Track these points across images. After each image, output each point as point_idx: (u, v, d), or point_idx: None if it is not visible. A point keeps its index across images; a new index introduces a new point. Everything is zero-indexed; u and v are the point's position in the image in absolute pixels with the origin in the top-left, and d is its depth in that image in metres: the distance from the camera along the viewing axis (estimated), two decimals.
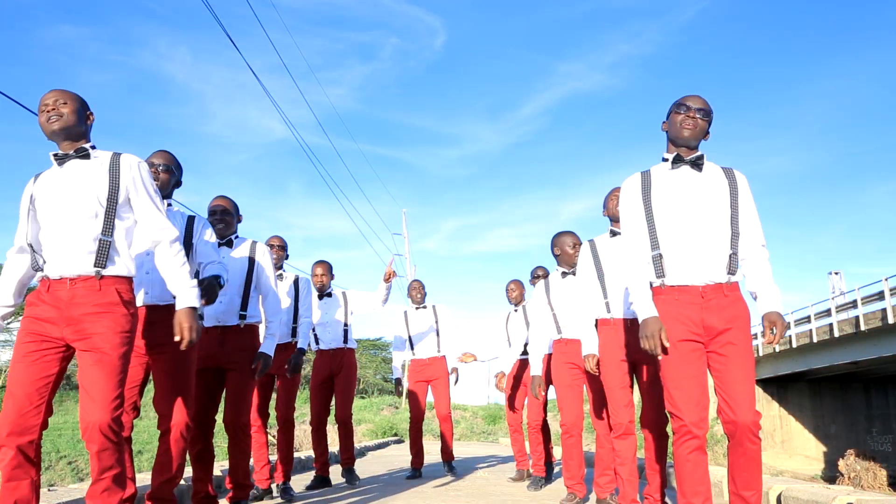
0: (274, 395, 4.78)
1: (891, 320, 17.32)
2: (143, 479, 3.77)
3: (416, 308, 6.18)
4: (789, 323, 22.54)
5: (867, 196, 65.17)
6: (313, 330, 5.22)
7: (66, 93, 2.51)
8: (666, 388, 2.56)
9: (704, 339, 2.55)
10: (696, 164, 2.65)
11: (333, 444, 6.14)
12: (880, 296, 18.16)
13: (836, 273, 26.46)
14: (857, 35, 60.77)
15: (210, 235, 3.21)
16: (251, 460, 4.24)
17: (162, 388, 2.92)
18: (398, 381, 6.33)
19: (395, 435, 18.27)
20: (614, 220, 3.64)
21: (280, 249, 4.70)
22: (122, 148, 2.64)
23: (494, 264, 75.51)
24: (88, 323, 2.35)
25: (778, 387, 24.62)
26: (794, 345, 21.97)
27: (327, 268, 5.40)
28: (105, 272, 2.42)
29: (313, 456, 5.28)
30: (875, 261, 70.36)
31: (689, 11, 78.26)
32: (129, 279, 2.51)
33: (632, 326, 3.44)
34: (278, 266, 4.70)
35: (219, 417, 3.60)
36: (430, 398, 6.18)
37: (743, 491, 2.50)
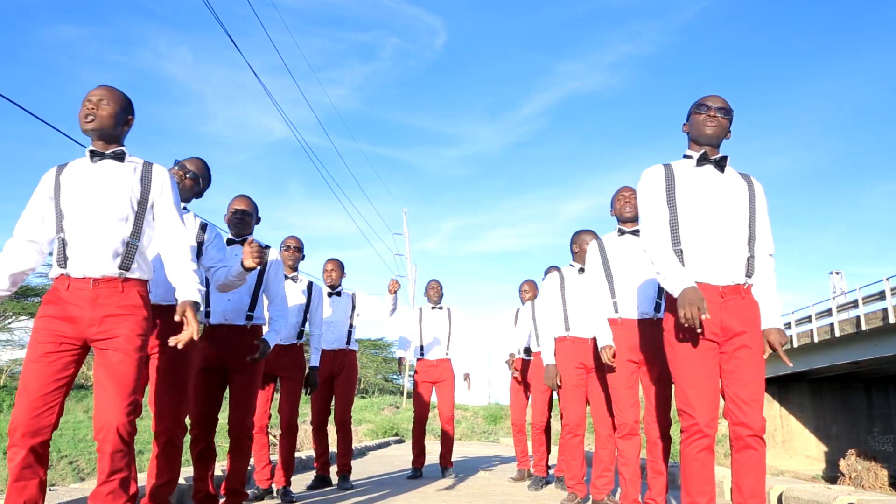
0: (277, 397, 4.77)
1: (892, 320, 17.31)
2: (143, 479, 3.76)
3: (432, 307, 6.17)
4: (790, 323, 22.53)
5: (867, 196, 65.12)
6: None
7: (111, 94, 2.50)
8: (679, 385, 2.54)
9: (720, 339, 2.55)
10: (720, 164, 2.66)
11: (334, 444, 6.13)
12: (881, 295, 18.16)
13: (838, 273, 26.45)
14: (857, 35, 60.72)
15: (220, 244, 3.23)
16: (251, 462, 4.23)
17: (158, 388, 2.91)
18: (401, 360, 6.30)
19: (396, 435, 18.26)
20: (622, 219, 3.63)
21: (296, 251, 4.69)
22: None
23: (494, 264, 75.57)
24: (111, 324, 2.35)
25: (779, 386, 24.60)
26: (795, 345, 21.97)
27: (338, 265, 5.39)
28: (128, 274, 2.43)
29: (314, 457, 5.28)
30: (875, 261, 70.33)
31: (689, 11, 78.23)
32: (147, 282, 2.53)
33: (639, 327, 3.44)
34: (294, 267, 4.69)
35: (222, 417, 3.60)
36: (433, 399, 6.17)
37: (750, 500, 2.49)
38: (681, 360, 2.53)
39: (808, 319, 21.91)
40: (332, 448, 5.49)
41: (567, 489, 4.29)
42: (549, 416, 5.71)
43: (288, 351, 4.53)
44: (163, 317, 2.94)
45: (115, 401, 2.28)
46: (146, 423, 13.05)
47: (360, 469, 7.03)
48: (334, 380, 5.23)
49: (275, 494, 4.57)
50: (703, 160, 2.66)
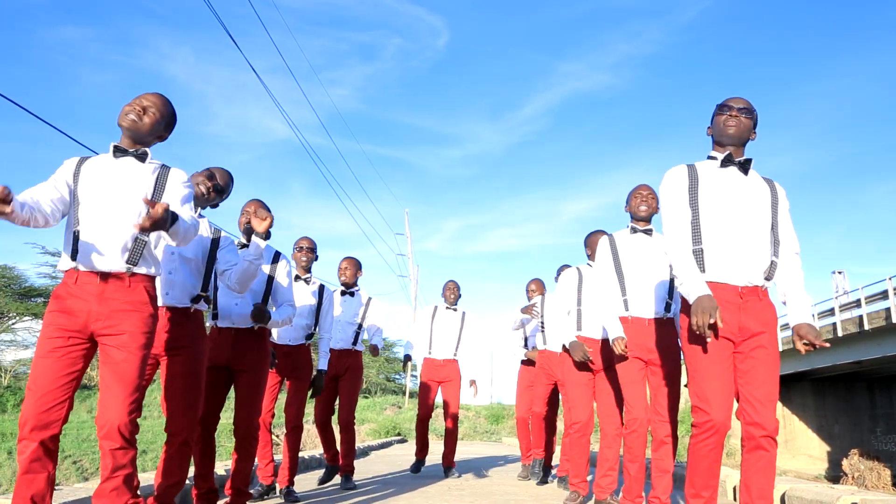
0: (283, 397, 4.77)
1: (895, 319, 17.26)
2: (147, 478, 3.77)
3: (447, 307, 6.16)
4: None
5: (868, 196, 65.06)
6: None
7: (164, 106, 2.55)
8: (694, 381, 2.55)
9: (737, 338, 2.56)
10: (744, 166, 2.67)
11: (337, 443, 6.13)
12: (884, 295, 18.10)
13: (840, 272, 26.33)
14: (858, 35, 60.63)
15: (232, 248, 3.24)
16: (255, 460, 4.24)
17: (172, 390, 2.93)
18: (408, 357, 6.26)
19: (399, 434, 18.27)
20: (636, 217, 3.62)
21: (309, 251, 4.67)
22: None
23: (496, 264, 75.57)
24: (117, 320, 2.37)
25: (781, 386, 24.36)
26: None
27: (353, 263, 5.35)
28: (136, 269, 2.45)
29: (316, 456, 5.29)
30: (875, 261, 70.28)
31: (690, 11, 78.18)
32: (153, 279, 2.55)
33: (649, 326, 3.43)
34: (307, 268, 4.68)
35: (225, 417, 3.61)
36: (438, 399, 6.17)
37: (758, 500, 2.49)
38: (697, 358, 2.54)
39: (811, 319, 21.81)
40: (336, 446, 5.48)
41: (570, 488, 4.28)
42: (552, 412, 5.69)
43: (296, 351, 4.53)
44: (178, 319, 2.97)
45: (117, 399, 2.30)
46: (149, 423, 13.08)
47: (363, 469, 7.03)
48: (339, 380, 5.21)
49: (278, 493, 4.58)
50: (727, 161, 2.67)
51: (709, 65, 76.25)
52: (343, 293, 5.29)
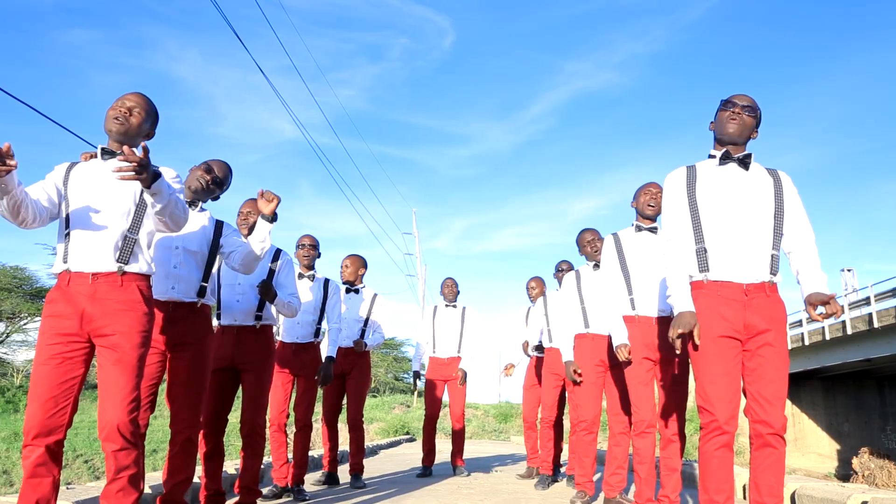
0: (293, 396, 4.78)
1: None
2: (157, 478, 3.79)
3: (447, 305, 6.17)
4: (801, 320, 22.37)
5: (875, 194, 64.63)
6: None
7: (146, 105, 2.56)
8: (699, 382, 2.54)
9: (743, 336, 2.55)
10: (744, 162, 2.66)
11: (345, 443, 6.15)
12: (894, 293, 17.99)
13: (849, 270, 26.16)
14: (865, 33, 60.20)
15: (237, 234, 3.25)
16: (269, 458, 4.25)
17: (177, 387, 2.94)
18: (416, 374, 6.26)
19: (407, 433, 18.28)
20: (642, 214, 3.62)
21: (311, 248, 4.68)
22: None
23: (503, 263, 75.49)
24: (111, 320, 2.36)
25: (790, 384, 24.30)
26: (807, 342, 21.80)
27: (355, 261, 5.33)
28: (127, 268, 2.44)
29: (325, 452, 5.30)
30: (883, 259, 69.69)
31: (696, 9, 77.82)
32: (148, 277, 2.53)
33: (656, 325, 3.42)
34: (309, 266, 4.68)
35: (232, 418, 3.63)
36: (445, 398, 6.18)
37: (767, 497, 2.48)
38: (702, 357, 2.53)
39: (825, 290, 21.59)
40: (342, 447, 5.48)
41: (576, 487, 4.28)
42: (560, 413, 5.69)
43: (305, 349, 4.54)
44: (184, 314, 2.97)
45: (115, 400, 2.29)
46: (161, 422, 13.14)
47: (372, 468, 7.05)
48: (346, 378, 5.20)
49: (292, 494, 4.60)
50: (725, 158, 2.66)
51: (715, 63, 76.00)
52: (347, 290, 5.27)
